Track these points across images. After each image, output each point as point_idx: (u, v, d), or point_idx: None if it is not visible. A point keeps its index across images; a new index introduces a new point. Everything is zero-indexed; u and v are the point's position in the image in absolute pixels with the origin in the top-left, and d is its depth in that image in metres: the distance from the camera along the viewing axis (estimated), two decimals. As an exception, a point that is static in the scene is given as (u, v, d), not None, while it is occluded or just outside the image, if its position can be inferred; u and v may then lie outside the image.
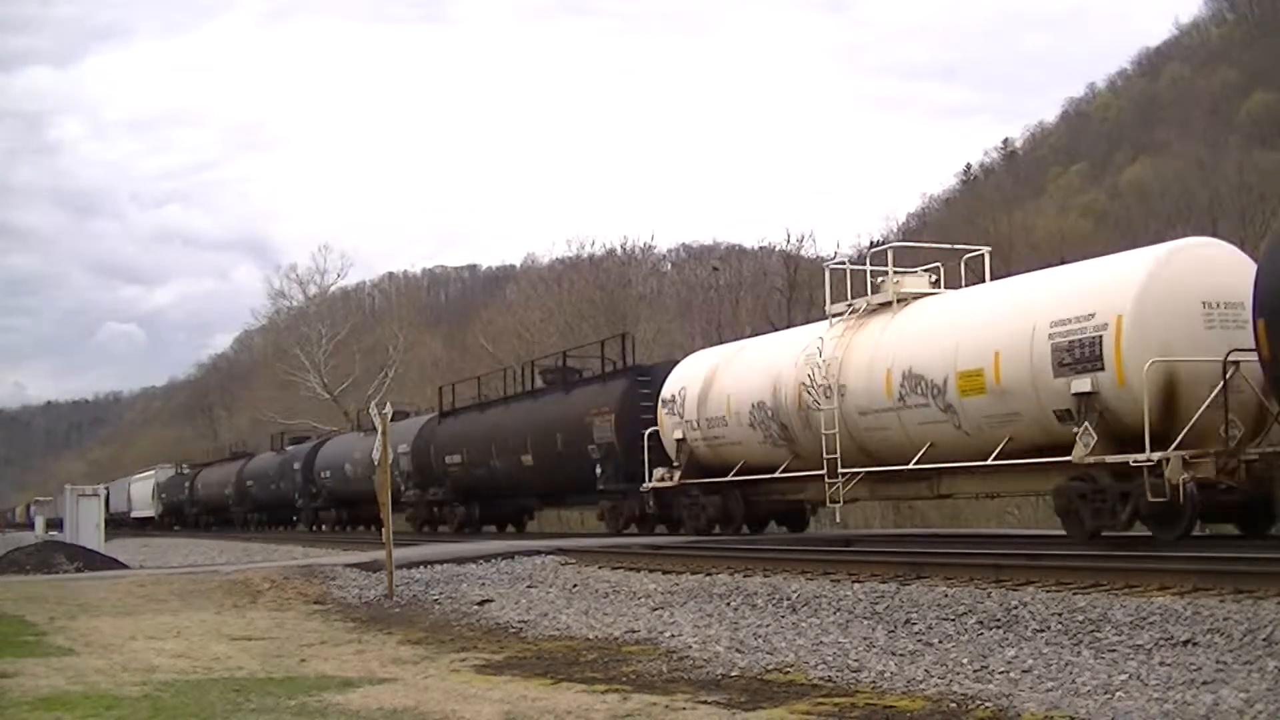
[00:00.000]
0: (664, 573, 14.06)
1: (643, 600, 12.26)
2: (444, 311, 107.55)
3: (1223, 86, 67.10)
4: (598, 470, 23.22)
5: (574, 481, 24.52)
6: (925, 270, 18.51)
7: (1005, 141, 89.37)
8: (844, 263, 19.94)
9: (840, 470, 17.44)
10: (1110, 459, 13.42)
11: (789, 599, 11.09)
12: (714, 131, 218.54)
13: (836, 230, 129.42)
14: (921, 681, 7.10)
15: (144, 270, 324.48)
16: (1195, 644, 7.44)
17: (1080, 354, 13.92)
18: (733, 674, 7.82)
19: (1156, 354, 13.26)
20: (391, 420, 33.42)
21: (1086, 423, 13.68)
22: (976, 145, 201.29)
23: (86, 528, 29.41)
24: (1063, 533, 14.55)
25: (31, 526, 57.55)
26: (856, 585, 11.29)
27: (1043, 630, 8.42)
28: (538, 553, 16.95)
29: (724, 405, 20.21)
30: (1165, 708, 5.96)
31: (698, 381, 21.06)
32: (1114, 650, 7.55)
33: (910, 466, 16.40)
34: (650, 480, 21.70)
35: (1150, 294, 13.58)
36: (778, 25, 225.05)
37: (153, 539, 47.23)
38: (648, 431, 21.93)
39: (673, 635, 9.77)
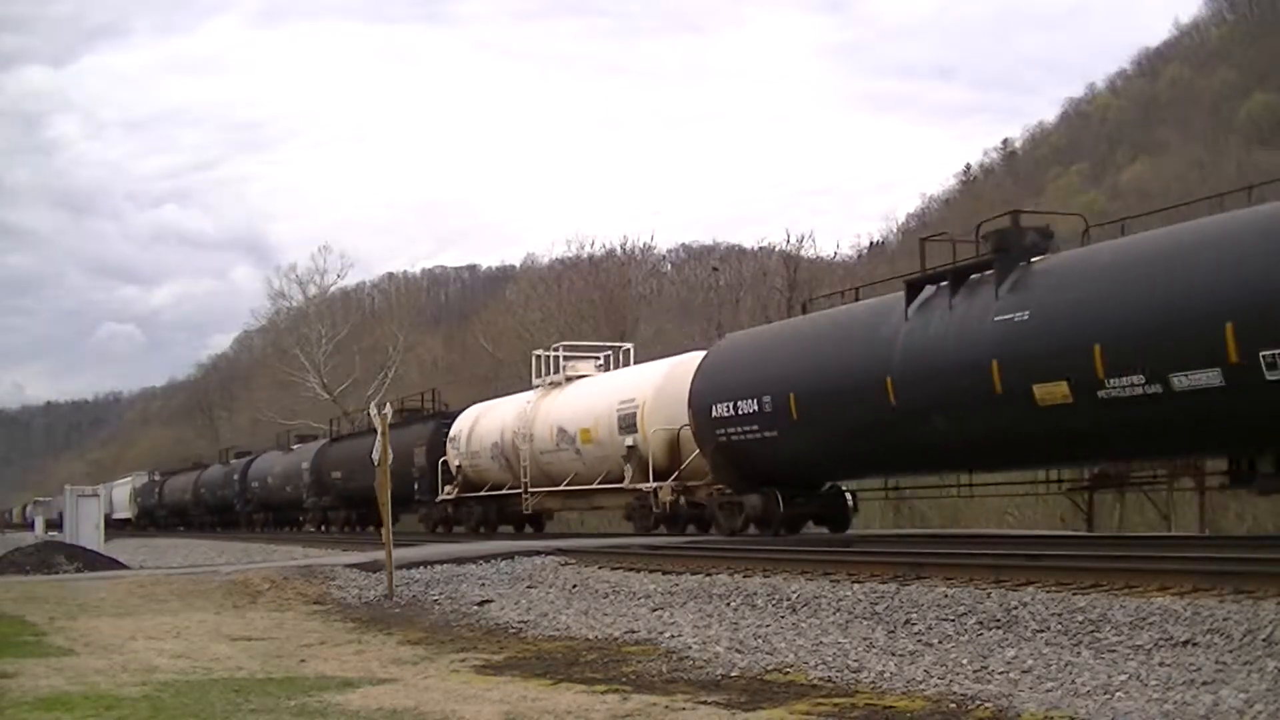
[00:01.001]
0: (664, 573, 14.05)
1: (642, 600, 12.26)
2: (444, 312, 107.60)
3: (1223, 87, 67.10)
4: (415, 486, 31.75)
5: (406, 494, 31.99)
6: (602, 356, 28.12)
7: (1005, 142, 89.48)
8: (541, 352, 28.96)
9: (530, 490, 26.47)
10: (638, 485, 22.59)
11: (789, 599, 11.08)
12: (713, 131, 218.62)
13: (836, 230, 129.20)
14: (921, 682, 7.10)
15: (141, 270, 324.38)
16: (1195, 644, 7.43)
17: (628, 422, 23.03)
18: (732, 674, 7.82)
19: (661, 424, 22.38)
20: (303, 442, 42.24)
21: (629, 464, 22.80)
22: (976, 145, 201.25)
23: (86, 528, 29.48)
24: (1063, 533, 15.04)
25: (31, 527, 58.28)
26: (856, 585, 11.28)
27: (1043, 630, 8.42)
28: (537, 553, 16.96)
29: (480, 443, 28.97)
30: (1165, 708, 5.96)
31: (467, 426, 29.87)
32: (1114, 650, 7.55)
33: (561, 488, 25.57)
34: (440, 494, 30.42)
35: (661, 388, 22.62)
36: (776, 24, 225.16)
37: (150, 539, 47.44)
38: (440, 460, 30.71)
39: (672, 635, 9.77)
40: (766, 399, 18.36)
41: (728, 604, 11.38)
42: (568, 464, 25.08)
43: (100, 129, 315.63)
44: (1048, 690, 6.66)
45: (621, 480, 23.11)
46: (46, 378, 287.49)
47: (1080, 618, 8.53)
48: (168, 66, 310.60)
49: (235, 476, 49.57)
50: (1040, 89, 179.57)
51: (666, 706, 6.63)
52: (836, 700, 6.69)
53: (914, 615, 9.51)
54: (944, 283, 15.97)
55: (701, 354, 22.13)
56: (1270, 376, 11.78)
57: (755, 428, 18.61)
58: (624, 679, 7.78)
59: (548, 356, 28.02)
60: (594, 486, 24.30)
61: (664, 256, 69.89)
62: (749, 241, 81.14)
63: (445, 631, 11.07)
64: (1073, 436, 14.37)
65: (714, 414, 19.48)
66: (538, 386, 27.54)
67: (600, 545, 18.20)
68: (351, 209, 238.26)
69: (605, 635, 10.20)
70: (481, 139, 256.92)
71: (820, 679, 7.49)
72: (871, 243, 72.71)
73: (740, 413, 18.84)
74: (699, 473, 21.30)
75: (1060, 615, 8.69)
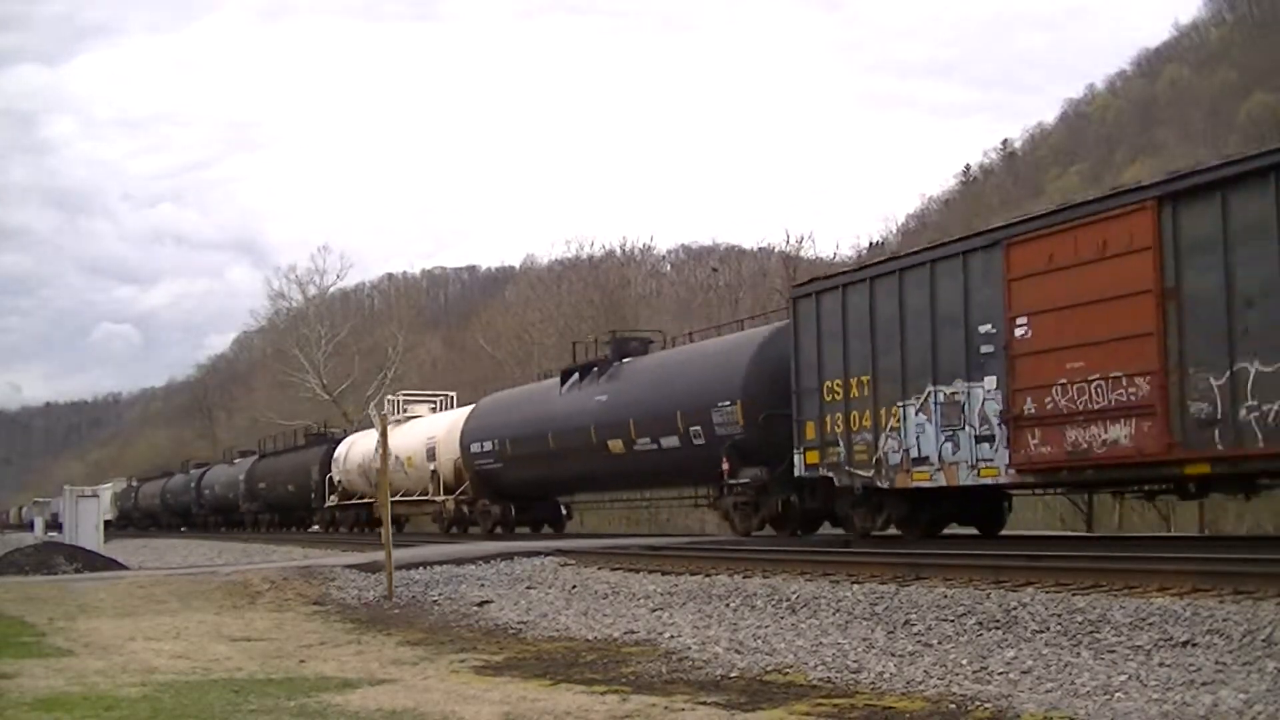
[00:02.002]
0: (663, 574, 14.06)
1: (642, 601, 12.25)
2: (443, 312, 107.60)
3: (1222, 87, 67.03)
4: (313, 495, 41.05)
5: (307, 501, 42.13)
6: (435, 398, 38.29)
7: (1004, 142, 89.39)
8: (391, 397, 39.68)
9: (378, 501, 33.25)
10: (436, 498, 30.98)
11: (788, 600, 11.08)
12: (713, 131, 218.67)
13: (836, 231, 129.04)
14: (921, 682, 7.10)
15: (138, 270, 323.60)
16: (1194, 645, 7.44)
17: (431, 454, 31.47)
18: (732, 675, 7.82)
19: (450, 455, 30.36)
20: (241, 458, 52.48)
21: (432, 483, 31.16)
22: (976, 146, 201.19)
23: (86, 528, 29.44)
24: (1063, 533, 15.11)
25: (29, 527, 59.14)
26: (856, 586, 11.29)
27: (1042, 631, 8.42)
28: (537, 554, 16.95)
29: (351, 463, 37.55)
30: (1164, 708, 5.96)
31: (344, 450, 38.59)
32: (1113, 651, 7.55)
33: (397, 499, 30.72)
34: (327, 502, 39.35)
35: (450, 429, 30.73)
36: (776, 24, 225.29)
37: (150, 540, 47.59)
38: (328, 475, 39.55)
39: (672, 636, 9.77)
40: (496, 442, 27.97)
41: (727, 605, 11.38)
42: (401, 481, 32.65)
43: (95, 128, 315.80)
44: (1047, 691, 6.66)
45: (428, 494, 31.84)
46: (44, 378, 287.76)
47: (1080, 618, 8.53)
48: (162, 65, 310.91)
49: (192, 485, 57.08)
50: (1039, 89, 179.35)
51: (666, 707, 6.63)
52: (836, 701, 6.70)
53: (913, 616, 9.51)
54: (578, 373, 25.52)
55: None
56: (696, 442, 20.64)
57: (492, 460, 28.18)
58: (623, 679, 7.78)
59: (396, 400, 39.42)
60: (415, 498, 32.79)
61: (663, 257, 70.06)
62: (749, 242, 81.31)
63: (445, 632, 11.07)
64: (628, 473, 23.85)
65: (473, 450, 29.05)
66: (390, 422, 36.93)
67: (600, 546, 18.20)
68: (350, 209, 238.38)
69: (605, 636, 10.20)
70: (480, 139, 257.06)
71: (820, 680, 7.49)
72: (871, 243, 72.58)
73: (485, 450, 28.44)
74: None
75: (1060, 616, 8.69)
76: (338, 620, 12.35)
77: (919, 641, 8.62)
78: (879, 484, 16.38)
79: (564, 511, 29.92)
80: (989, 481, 14.90)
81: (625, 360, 24.11)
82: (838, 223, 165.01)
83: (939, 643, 8.51)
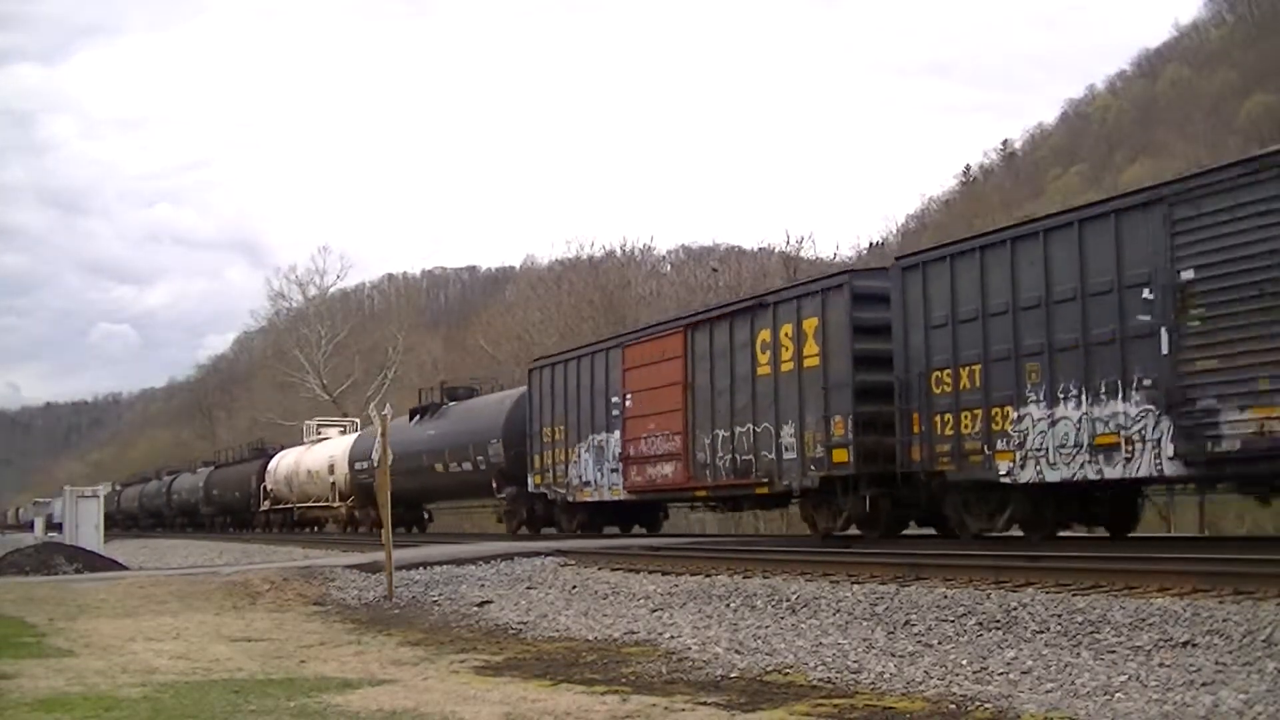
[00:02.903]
0: (663, 574, 14.05)
1: (642, 601, 12.25)
2: (443, 313, 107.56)
3: (1223, 87, 67.02)
4: (251, 502, 47.73)
5: (247, 505, 48.75)
6: (346, 422, 46.87)
7: (1005, 143, 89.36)
8: (309, 422, 47.79)
9: (296, 505, 42.28)
10: (333, 504, 39.50)
11: (788, 600, 11.08)
12: (713, 131, 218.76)
13: (836, 231, 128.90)
14: (921, 683, 7.10)
15: (136, 270, 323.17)
16: (1195, 645, 7.44)
17: (332, 469, 39.94)
18: (732, 675, 7.83)
19: (345, 471, 38.62)
20: (203, 467, 61.99)
21: (332, 492, 39.21)
22: (976, 146, 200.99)
23: (86, 529, 29.42)
24: (1063, 533, 15.05)
25: (30, 528, 59.47)
26: (856, 586, 11.28)
27: (1042, 632, 8.42)
28: (537, 554, 16.95)
29: (280, 474, 44.40)
30: (1164, 709, 5.96)
31: (275, 463, 45.53)
32: (1113, 651, 7.55)
33: (309, 504, 41.65)
34: (262, 506, 46.07)
35: (345, 449, 39.04)
36: (776, 22, 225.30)
37: (150, 540, 47.63)
38: (262, 485, 46.30)
39: (672, 636, 9.78)
40: (368, 461, 33.78)
41: (727, 605, 11.38)
42: (312, 490, 41.21)
43: (93, 127, 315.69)
44: (1047, 691, 6.66)
45: (329, 501, 39.63)
46: (43, 379, 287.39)
47: (1080, 619, 8.53)
48: (160, 64, 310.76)
49: (164, 490, 62.67)
50: (1039, 89, 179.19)
51: (666, 708, 6.63)
52: (836, 701, 6.70)
53: (913, 616, 9.51)
54: (420, 412, 33.03)
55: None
56: (481, 467, 28.73)
57: (367, 475, 34.42)
58: (624, 680, 7.79)
59: (311, 424, 47.20)
60: (321, 505, 40.56)
61: (663, 257, 69.94)
62: (748, 243, 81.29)
63: (445, 632, 11.08)
64: (447, 488, 31.69)
65: (356, 467, 37.18)
66: (308, 442, 44.76)
67: (600, 546, 18.21)
68: (347, 209, 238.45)
69: (605, 636, 10.20)
70: (479, 139, 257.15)
71: (820, 680, 7.49)
72: (871, 244, 72.53)
73: (363, 468, 35.51)
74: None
75: (1060, 616, 8.69)
76: (338, 620, 12.36)
77: (919, 642, 8.61)
78: (568, 499, 24.43)
79: (427, 515, 38.04)
80: (617, 498, 22.70)
81: (451, 403, 32.12)
82: (838, 223, 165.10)
83: (939, 643, 8.51)
